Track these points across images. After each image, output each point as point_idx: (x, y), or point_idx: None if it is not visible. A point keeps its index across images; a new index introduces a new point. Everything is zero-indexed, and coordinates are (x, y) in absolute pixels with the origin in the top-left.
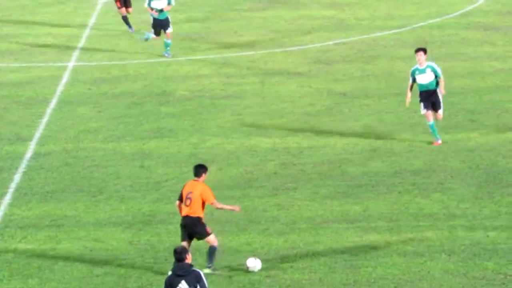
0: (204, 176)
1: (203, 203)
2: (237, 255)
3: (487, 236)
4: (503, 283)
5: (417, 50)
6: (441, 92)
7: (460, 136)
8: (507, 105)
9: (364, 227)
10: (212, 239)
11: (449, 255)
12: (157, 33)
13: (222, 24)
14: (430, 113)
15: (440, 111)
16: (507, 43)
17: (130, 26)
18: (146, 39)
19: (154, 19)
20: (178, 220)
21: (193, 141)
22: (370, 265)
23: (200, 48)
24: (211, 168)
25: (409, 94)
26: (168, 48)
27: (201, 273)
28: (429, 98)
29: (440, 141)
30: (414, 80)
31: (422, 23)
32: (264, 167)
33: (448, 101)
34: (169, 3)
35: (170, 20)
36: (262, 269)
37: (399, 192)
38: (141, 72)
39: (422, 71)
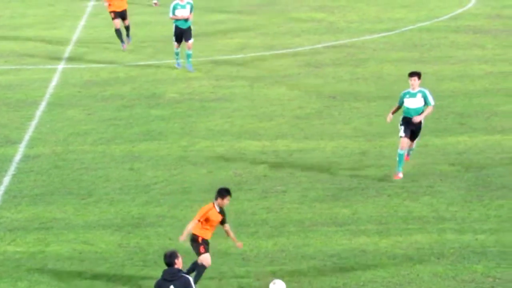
0: (219, 201)
1: (205, 222)
2: (226, 258)
3: (476, 239)
4: (492, 286)
5: (411, 74)
6: (420, 116)
7: (450, 139)
8: (496, 108)
9: (353, 230)
10: (202, 258)
11: (438, 258)
12: (179, 41)
13: (211, 26)
14: (406, 140)
15: (416, 140)
16: (496, 46)
17: (122, 41)
18: (177, 56)
19: (176, 27)
20: (167, 223)
21: (183, 144)
22: (359, 268)
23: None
24: (201, 171)
25: (391, 115)
26: (190, 59)
27: (190, 279)
28: (411, 125)
29: (401, 175)
30: (401, 104)
31: (411, 26)
32: (254, 170)
33: (438, 105)
34: (191, 11)
35: (192, 30)
36: (251, 272)
37: (388, 195)
38: (130, 75)
39: (413, 95)
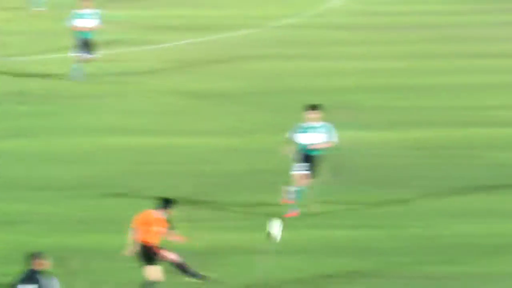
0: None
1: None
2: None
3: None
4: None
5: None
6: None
7: None
8: (364, 103)
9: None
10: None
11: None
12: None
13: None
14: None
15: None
16: (363, 43)
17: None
18: None
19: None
20: (31, 219)
21: (50, 141)
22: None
23: (57, 47)
24: (68, 167)
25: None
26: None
27: (51, 281)
28: (308, 160)
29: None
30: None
31: (278, 23)
32: (119, 166)
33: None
34: (97, 22)
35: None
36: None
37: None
38: None
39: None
